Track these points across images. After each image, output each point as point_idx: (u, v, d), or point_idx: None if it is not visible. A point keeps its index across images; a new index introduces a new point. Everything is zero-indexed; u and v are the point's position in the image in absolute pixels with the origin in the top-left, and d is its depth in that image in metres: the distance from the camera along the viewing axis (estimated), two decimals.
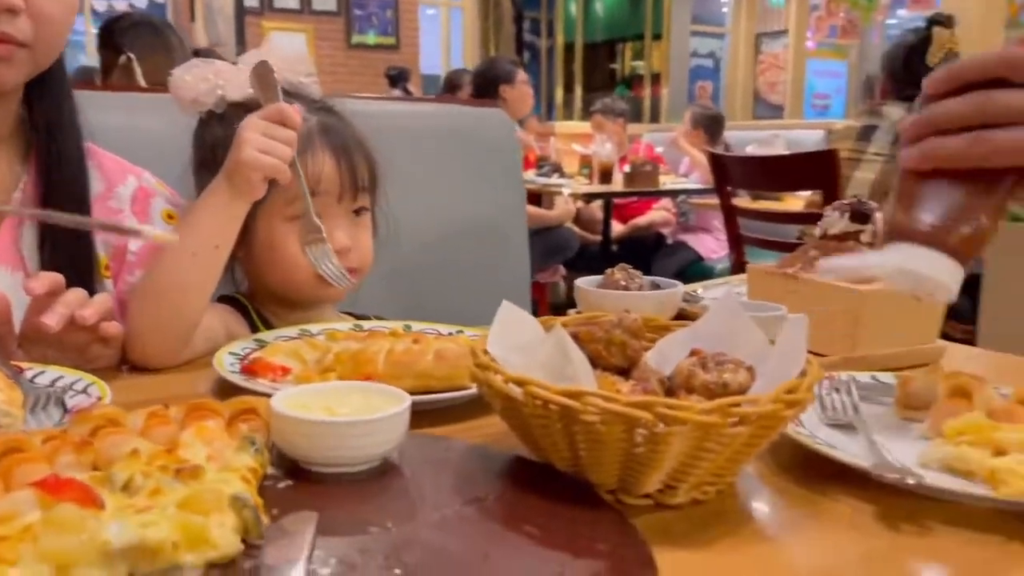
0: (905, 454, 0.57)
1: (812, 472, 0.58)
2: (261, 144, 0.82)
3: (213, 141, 0.93)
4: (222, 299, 0.96)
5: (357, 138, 0.98)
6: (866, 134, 2.41)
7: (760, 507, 0.55)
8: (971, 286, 2.29)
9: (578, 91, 9.05)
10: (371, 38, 8.14)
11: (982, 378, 0.63)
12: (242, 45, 7.01)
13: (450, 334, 0.86)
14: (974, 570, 0.47)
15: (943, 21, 2.33)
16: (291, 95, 0.91)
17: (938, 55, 2.25)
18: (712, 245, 4.21)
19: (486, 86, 3.92)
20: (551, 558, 0.42)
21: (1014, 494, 0.50)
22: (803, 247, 0.93)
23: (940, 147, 0.56)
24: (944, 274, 0.55)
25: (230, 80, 0.92)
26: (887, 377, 0.72)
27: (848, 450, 0.58)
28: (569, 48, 9.17)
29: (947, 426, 0.58)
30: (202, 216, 0.85)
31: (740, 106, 8.47)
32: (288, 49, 0.99)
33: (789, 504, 0.55)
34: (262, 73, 0.87)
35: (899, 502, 0.53)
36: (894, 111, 2.37)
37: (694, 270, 4.01)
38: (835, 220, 0.89)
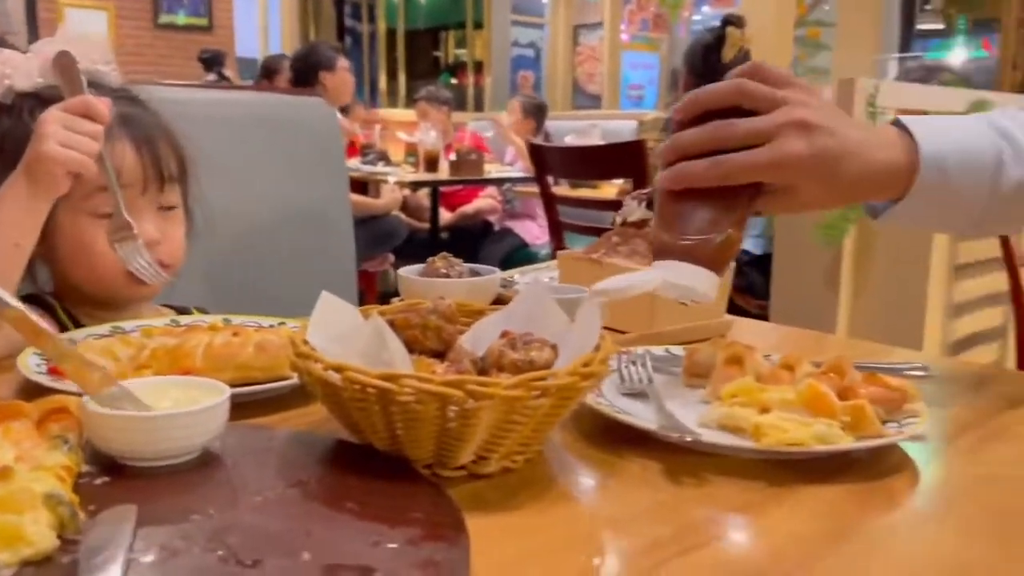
0: (688, 416, 0.64)
1: (610, 437, 0.64)
2: (63, 138, 0.79)
3: (1, 133, 0.88)
4: (25, 299, 0.91)
5: (163, 128, 0.96)
6: (670, 125, 2.58)
7: (564, 471, 0.61)
8: (765, 265, 2.52)
9: (402, 78, 9.02)
10: (181, 18, 7.72)
11: (752, 347, 0.72)
12: (34, 26, 6.45)
13: (271, 326, 0.86)
14: (742, 510, 0.54)
15: (735, 21, 2.54)
16: (92, 85, 0.88)
17: (731, 52, 2.45)
18: (536, 232, 4.35)
19: (306, 72, 3.85)
20: (370, 529, 0.45)
21: (773, 444, 0.58)
22: (606, 234, 1.00)
23: (687, 170, 0.65)
24: (702, 283, 0.64)
25: (18, 69, 0.88)
26: (678, 350, 0.80)
27: (641, 416, 0.64)
28: (391, 34, 9.10)
29: (723, 390, 0.66)
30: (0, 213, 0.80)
31: (561, 96, 8.75)
32: (84, 34, 0.95)
33: (589, 467, 0.61)
34: (64, 64, 0.84)
35: (682, 459, 0.60)
36: None
37: (520, 256, 4.14)
38: (633, 208, 0.97)
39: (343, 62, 3.93)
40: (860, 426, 0.60)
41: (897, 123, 0.72)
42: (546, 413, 0.55)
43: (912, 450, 0.63)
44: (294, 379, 0.67)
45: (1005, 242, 1.80)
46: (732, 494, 0.56)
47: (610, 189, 3.45)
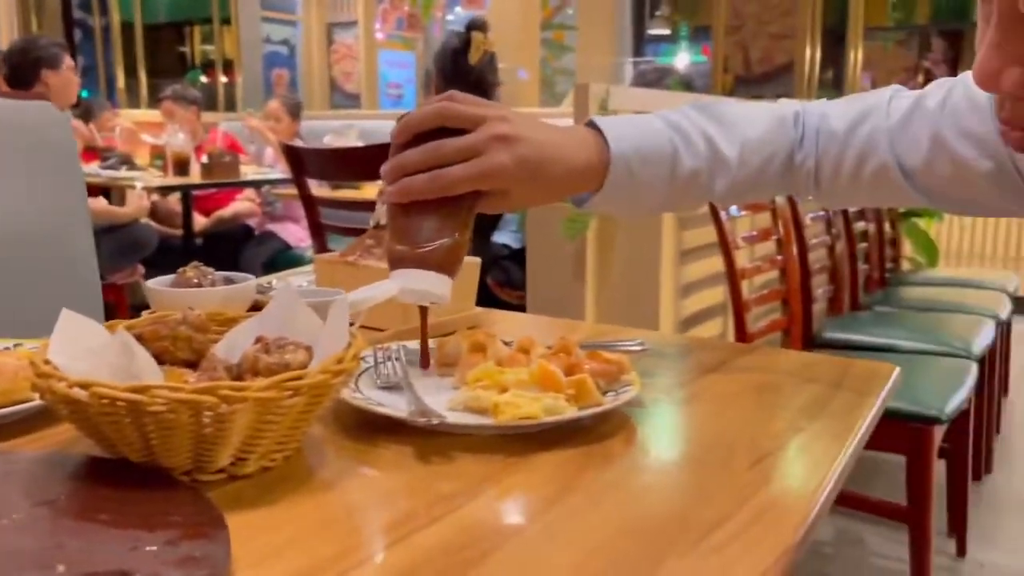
0: (439, 402, 0.70)
1: (367, 429, 0.69)
2: None
3: None
4: None
5: None
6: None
7: (322, 464, 0.64)
8: (522, 258, 2.67)
9: (143, 76, 8.43)
10: None
11: (493, 334, 0.79)
12: None
13: (7, 348, 0.82)
14: (484, 480, 0.61)
15: (479, 26, 2.66)
16: None
17: (476, 56, 2.57)
18: (300, 234, 4.27)
19: (25, 70, 3.50)
20: (127, 536, 0.46)
21: (509, 419, 0.65)
22: (361, 237, 1.04)
23: (410, 185, 0.73)
24: (437, 287, 0.72)
25: None
26: (432, 343, 0.86)
27: (396, 406, 0.69)
28: (128, 28, 8.47)
29: (469, 375, 0.73)
30: None
31: (318, 95, 8.60)
32: None
33: (346, 457, 0.65)
34: None
35: (433, 441, 0.66)
36: None
37: (283, 259, 4.04)
38: (384, 212, 1.02)
39: (69, 61, 3.62)
40: (583, 397, 0.69)
41: (591, 124, 0.82)
42: (301, 411, 0.58)
43: (629, 411, 0.73)
44: (36, 400, 0.65)
45: (720, 228, 2.05)
46: (476, 468, 0.62)
47: (372, 190, 3.48)
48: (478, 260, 1.04)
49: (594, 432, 0.69)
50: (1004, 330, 2.76)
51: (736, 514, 0.55)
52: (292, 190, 3.85)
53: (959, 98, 0.79)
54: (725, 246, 2.03)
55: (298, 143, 3.88)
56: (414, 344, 0.87)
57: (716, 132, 0.83)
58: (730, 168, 0.83)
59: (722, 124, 0.84)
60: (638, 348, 0.89)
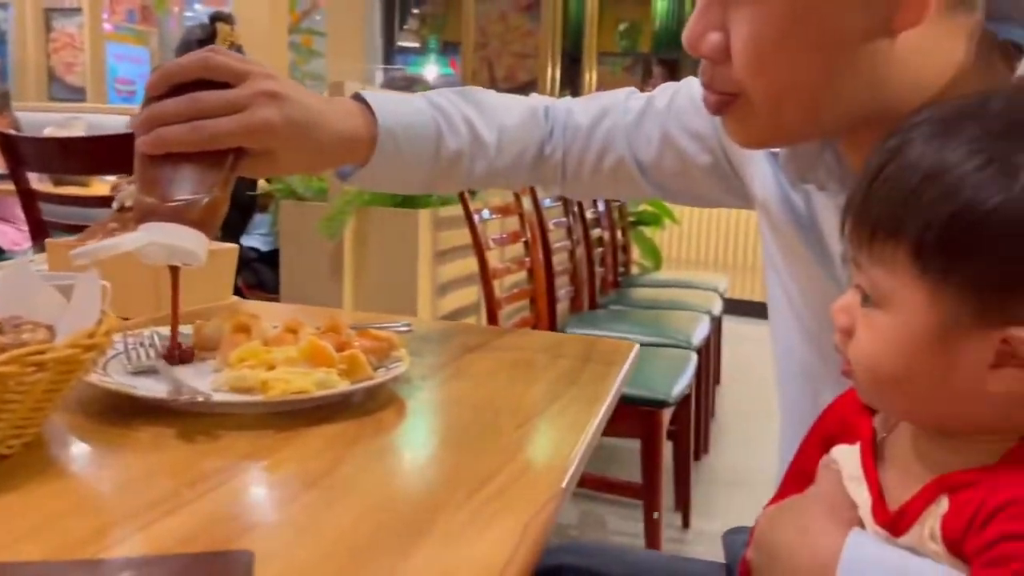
0: (201, 384, 0.67)
1: (120, 413, 0.64)
2: None
3: None
4: None
5: None
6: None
7: (67, 449, 0.59)
8: (273, 260, 2.59)
9: None
10: None
11: (258, 315, 0.77)
12: None
13: None
14: (252, 456, 0.59)
15: (225, 18, 2.56)
16: None
17: (222, 47, 2.46)
18: (16, 237, 3.81)
19: None
20: None
21: (279, 394, 0.64)
22: (102, 220, 0.97)
23: (168, 135, 0.68)
24: (192, 243, 0.66)
25: None
26: (186, 328, 0.82)
27: (153, 390, 0.65)
28: None
29: (232, 356, 0.70)
30: None
31: (34, 85, 7.72)
32: None
33: (97, 442, 0.61)
34: None
35: (196, 422, 0.63)
36: None
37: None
38: (131, 193, 0.95)
39: None
40: (355, 372, 0.69)
41: (358, 97, 0.82)
42: (45, 390, 0.53)
43: (398, 388, 0.74)
44: None
45: (473, 230, 2.12)
46: (244, 444, 0.60)
47: (102, 187, 3.19)
48: (236, 246, 1.01)
49: (365, 407, 0.69)
50: (716, 325, 3.11)
51: (502, 471, 0.58)
52: (5, 185, 3.44)
53: (683, 99, 0.89)
54: (478, 248, 2.11)
55: (11, 133, 3.46)
56: (167, 330, 0.82)
57: (476, 117, 0.87)
58: (489, 152, 0.88)
59: (482, 110, 0.88)
60: (404, 329, 0.91)
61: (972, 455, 0.50)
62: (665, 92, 0.91)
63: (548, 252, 2.52)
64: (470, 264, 2.28)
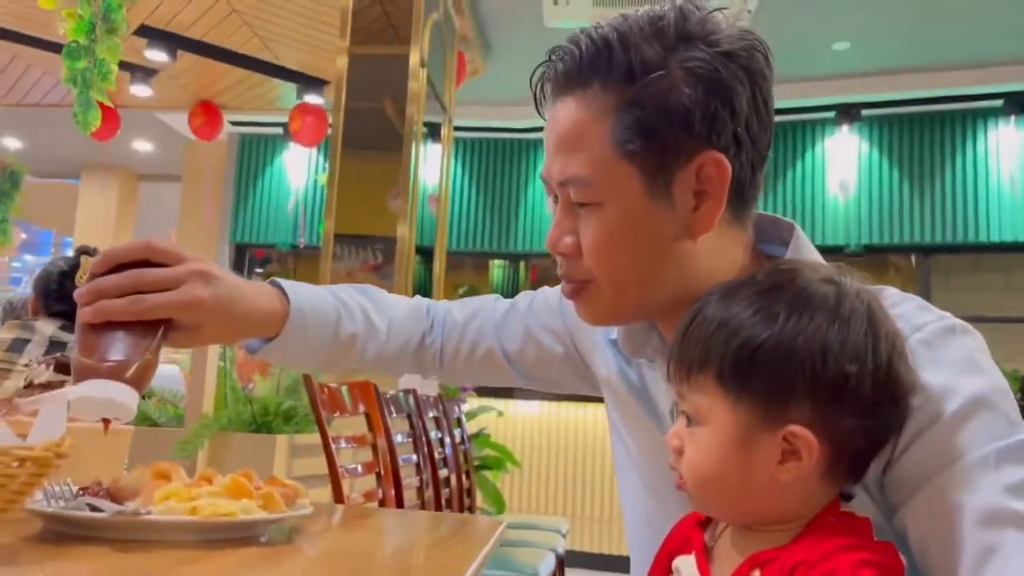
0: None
1: (50, 539, 0.69)
2: None
3: None
4: None
5: None
6: (18, 346, 2.48)
7: (8, 558, 0.64)
8: None
9: None
10: None
11: (176, 464, 0.85)
12: None
13: None
14: (181, 562, 0.66)
15: (90, 252, 2.65)
16: None
17: (84, 277, 2.53)
18: None
19: None
20: None
21: (210, 515, 0.72)
22: (9, 397, 1.02)
23: (109, 306, 0.78)
24: (124, 396, 0.74)
25: None
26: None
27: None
28: None
29: (156, 495, 0.77)
30: None
31: None
32: None
33: (38, 554, 0.65)
34: None
35: (130, 544, 0.69)
36: (47, 326, 2.53)
37: None
38: (41, 371, 1.02)
39: None
40: (270, 506, 0.78)
41: (273, 283, 0.96)
42: (19, 486, 0.60)
43: (305, 525, 0.82)
44: None
45: (330, 459, 2.18)
46: (174, 556, 0.67)
47: None
48: (131, 428, 1.07)
49: (279, 538, 0.77)
50: (560, 563, 3.18)
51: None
52: None
53: (540, 302, 1.09)
54: (334, 476, 2.15)
55: None
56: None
57: (371, 308, 1.03)
58: (380, 337, 1.03)
59: (376, 303, 1.04)
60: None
61: (773, 540, 0.67)
62: (526, 297, 1.11)
63: (399, 488, 2.58)
64: (324, 493, 2.30)
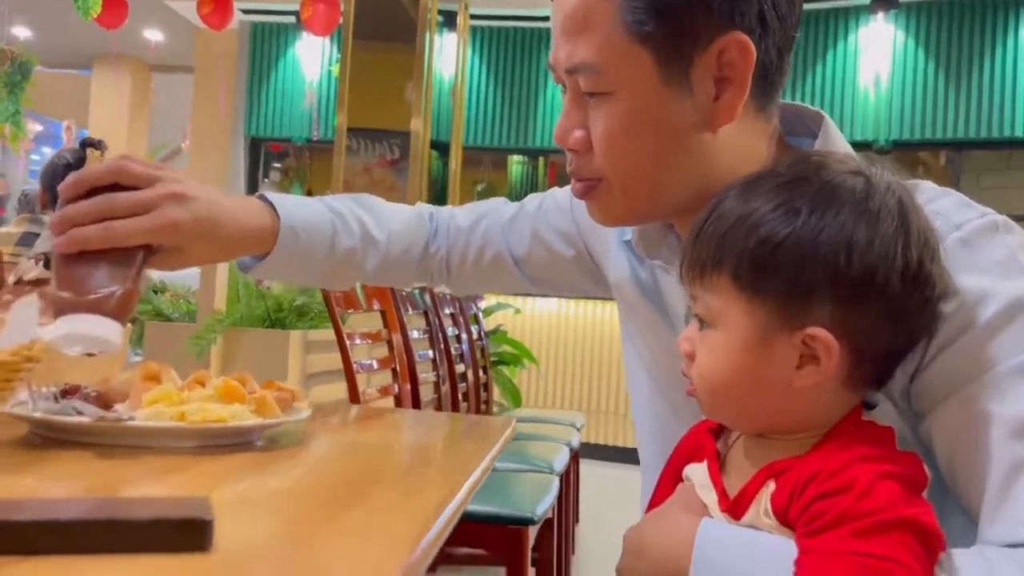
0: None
1: (34, 444, 0.67)
2: None
3: None
4: None
5: None
6: (27, 240, 2.47)
7: None
8: None
9: None
10: None
11: (167, 366, 0.82)
12: None
13: None
14: (169, 470, 0.63)
15: (95, 144, 2.60)
16: None
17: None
18: None
19: None
20: None
21: (199, 421, 0.69)
22: None
23: (81, 234, 0.73)
24: (107, 331, 0.70)
25: None
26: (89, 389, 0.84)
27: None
28: None
29: (145, 398, 0.74)
30: None
31: None
32: None
33: (15, 463, 0.63)
34: None
35: (115, 449, 0.67)
36: None
37: None
38: (30, 267, 0.98)
39: None
40: (264, 412, 0.75)
41: (261, 197, 0.90)
42: None
43: (301, 431, 0.80)
44: None
45: (344, 354, 2.18)
46: (161, 463, 0.64)
47: None
48: (129, 326, 1.04)
49: (274, 443, 0.75)
50: (575, 457, 3.22)
51: (413, 472, 0.65)
52: None
53: (549, 204, 1.03)
54: (348, 372, 2.15)
55: None
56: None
57: (368, 219, 0.98)
58: (379, 249, 0.98)
59: (374, 213, 0.99)
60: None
61: (789, 450, 0.63)
62: (534, 199, 1.06)
63: (415, 383, 2.59)
64: (339, 389, 2.31)
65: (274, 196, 0.91)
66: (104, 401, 0.79)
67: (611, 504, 3.89)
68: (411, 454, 0.78)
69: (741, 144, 0.73)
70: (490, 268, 1.05)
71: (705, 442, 0.71)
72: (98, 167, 0.77)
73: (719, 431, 0.72)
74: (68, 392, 0.77)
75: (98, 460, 0.63)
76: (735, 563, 0.60)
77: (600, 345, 5.06)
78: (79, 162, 2.61)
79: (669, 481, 0.74)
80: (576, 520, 3.54)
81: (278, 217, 0.88)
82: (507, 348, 3.97)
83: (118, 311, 0.71)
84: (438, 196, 6.05)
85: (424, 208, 1.07)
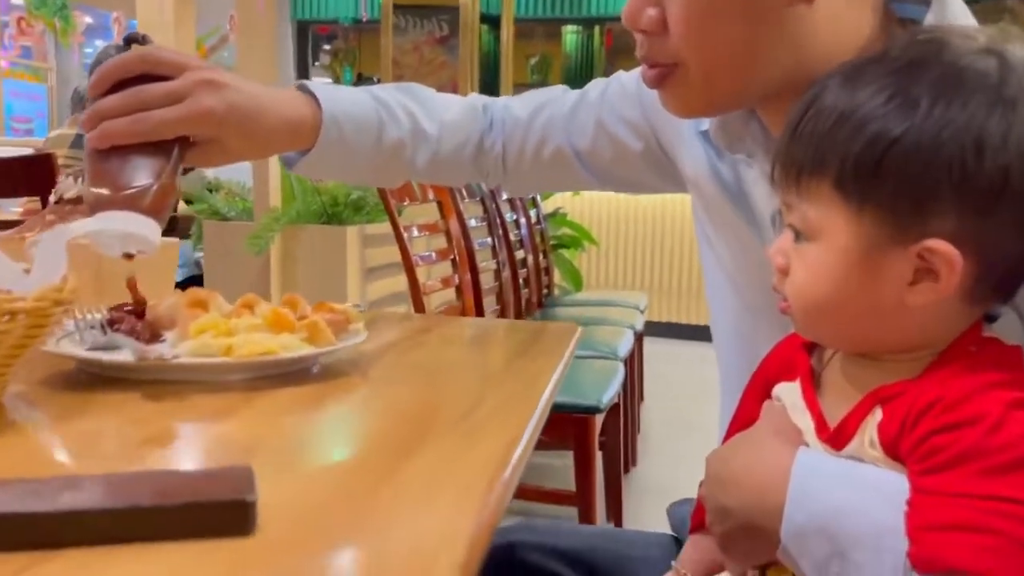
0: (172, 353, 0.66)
1: (80, 384, 0.63)
2: None
3: None
4: None
5: None
6: (80, 142, 2.45)
7: (29, 412, 0.58)
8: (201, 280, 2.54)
9: None
10: None
11: (213, 292, 0.77)
12: None
13: None
14: (217, 412, 0.59)
15: (140, 39, 2.52)
16: None
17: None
18: None
19: None
20: None
21: (244, 356, 0.64)
22: (40, 213, 0.95)
23: (113, 128, 0.69)
24: (145, 229, 0.66)
25: None
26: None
27: (116, 357, 0.65)
28: None
29: (192, 327, 0.70)
30: None
31: None
32: None
33: (60, 407, 0.60)
34: None
35: (162, 387, 0.63)
36: None
37: None
38: (70, 185, 0.94)
39: None
40: (316, 339, 0.70)
41: (301, 87, 0.84)
42: (13, 345, 0.53)
43: (357, 356, 0.75)
44: None
45: (403, 247, 2.14)
46: (211, 401, 0.60)
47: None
48: (178, 240, 1.00)
49: (328, 371, 0.70)
50: (639, 340, 3.19)
51: (476, 409, 0.60)
52: None
53: (615, 91, 0.93)
54: (408, 264, 2.12)
55: None
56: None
57: (418, 110, 0.90)
58: (430, 143, 0.91)
59: (423, 104, 0.91)
60: (357, 308, 0.92)
61: (898, 373, 0.55)
62: (597, 85, 0.96)
63: (475, 272, 2.55)
64: (399, 282, 2.29)
65: (315, 85, 0.84)
66: (153, 330, 0.75)
67: (675, 381, 3.89)
68: (473, 382, 0.73)
69: (840, 15, 0.62)
70: (551, 164, 0.96)
71: (797, 358, 0.64)
72: (124, 56, 0.73)
73: (812, 345, 0.64)
74: (114, 321, 0.74)
75: (144, 403, 0.59)
76: (837, 500, 0.53)
77: (662, 224, 4.94)
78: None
79: (754, 400, 0.67)
80: (641, 399, 3.54)
81: (320, 107, 0.82)
82: (567, 231, 3.90)
83: (154, 207, 0.68)
84: (491, 72, 5.84)
85: (478, 99, 0.98)
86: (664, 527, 0.88)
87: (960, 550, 0.48)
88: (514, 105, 0.97)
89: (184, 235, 2.66)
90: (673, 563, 0.69)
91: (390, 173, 0.92)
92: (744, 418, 0.67)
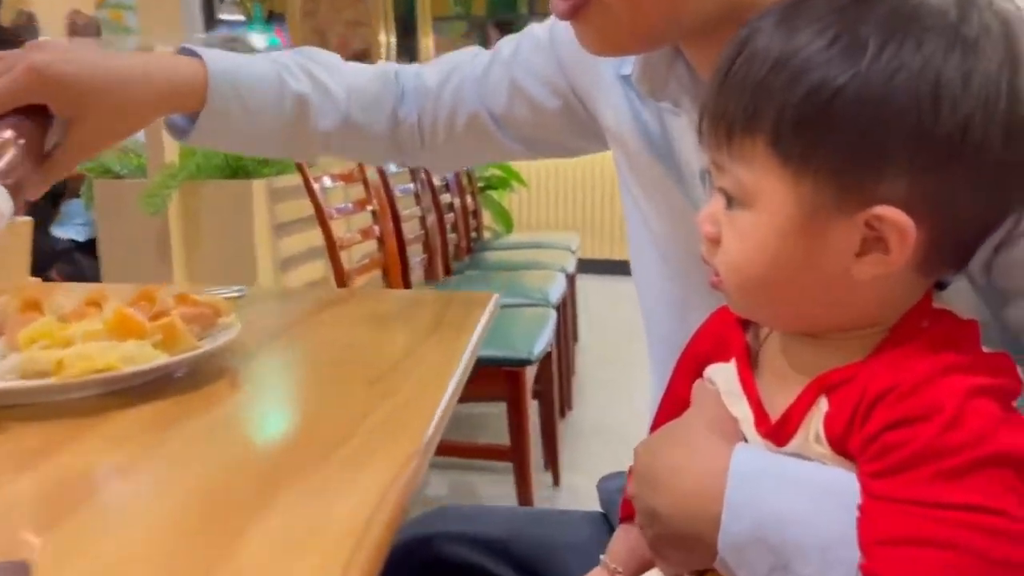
0: None
1: None
2: None
3: None
4: None
5: None
6: None
7: None
8: (92, 249, 2.36)
9: None
10: None
11: (52, 288, 0.66)
12: None
13: None
14: (45, 450, 0.49)
15: None
16: None
17: (10, 15, 2.22)
18: None
19: None
20: None
21: (77, 375, 0.53)
22: None
23: None
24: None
25: None
26: None
27: None
28: None
29: (21, 337, 0.59)
30: None
31: None
32: None
33: None
34: None
35: None
36: None
37: None
38: None
39: None
40: (174, 343, 0.59)
41: (183, 50, 0.74)
42: None
43: (229, 358, 0.65)
44: None
45: (314, 199, 2.00)
46: (34, 437, 0.50)
47: None
48: (30, 219, 0.87)
49: (193, 379, 0.59)
50: (571, 282, 3.13)
51: (355, 433, 0.50)
52: None
53: (527, 45, 0.83)
54: (321, 218, 1.99)
55: None
56: None
57: (319, 71, 0.81)
58: (338, 104, 0.81)
59: (326, 67, 0.82)
60: (236, 294, 0.81)
61: (844, 353, 0.48)
62: (510, 42, 0.85)
63: (397, 220, 2.43)
64: (314, 236, 2.16)
65: (199, 48, 0.74)
66: None
67: (609, 319, 3.86)
68: (360, 387, 0.63)
69: None
70: (468, 134, 0.86)
71: (731, 335, 0.56)
72: None
73: (748, 320, 0.56)
74: None
75: None
76: (780, 506, 0.46)
77: (591, 162, 4.86)
78: None
79: (685, 380, 0.59)
80: (576, 340, 3.51)
81: (205, 66, 0.72)
82: (495, 171, 3.78)
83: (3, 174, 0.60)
84: (406, 7, 5.60)
85: (390, 67, 0.88)
86: (595, 494, 0.81)
87: (918, 567, 0.41)
88: (425, 72, 0.87)
89: (74, 194, 2.47)
90: (602, 557, 0.62)
91: (298, 140, 0.81)
92: (674, 399, 0.59)
